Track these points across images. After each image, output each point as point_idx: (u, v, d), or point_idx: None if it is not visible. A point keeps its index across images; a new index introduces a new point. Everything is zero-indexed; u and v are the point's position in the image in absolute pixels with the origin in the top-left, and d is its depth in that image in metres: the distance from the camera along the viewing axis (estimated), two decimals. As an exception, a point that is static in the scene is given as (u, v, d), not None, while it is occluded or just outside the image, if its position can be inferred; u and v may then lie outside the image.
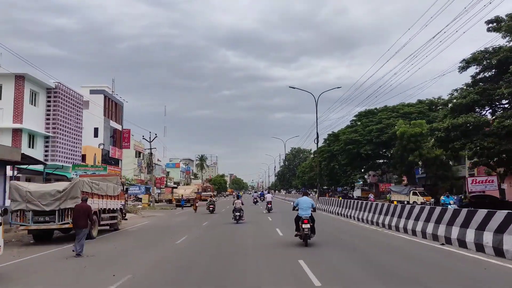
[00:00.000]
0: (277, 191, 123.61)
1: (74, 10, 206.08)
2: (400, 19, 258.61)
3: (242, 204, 23.55)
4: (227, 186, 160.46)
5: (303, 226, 12.73)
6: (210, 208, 31.99)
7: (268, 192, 68.56)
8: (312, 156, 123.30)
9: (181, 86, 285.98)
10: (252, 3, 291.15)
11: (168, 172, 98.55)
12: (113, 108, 56.30)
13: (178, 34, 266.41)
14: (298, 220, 13.13)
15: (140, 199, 55.46)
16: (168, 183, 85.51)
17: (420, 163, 42.20)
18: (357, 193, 59.14)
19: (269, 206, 33.06)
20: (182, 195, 45.94)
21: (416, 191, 42.70)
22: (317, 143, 34.43)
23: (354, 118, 53.37)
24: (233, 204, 23.82)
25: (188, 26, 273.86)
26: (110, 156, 54.11)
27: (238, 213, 22.63)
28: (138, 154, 70.61)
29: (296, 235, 13.40)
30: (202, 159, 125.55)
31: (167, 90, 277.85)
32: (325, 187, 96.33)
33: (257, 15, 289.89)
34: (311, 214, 13.07)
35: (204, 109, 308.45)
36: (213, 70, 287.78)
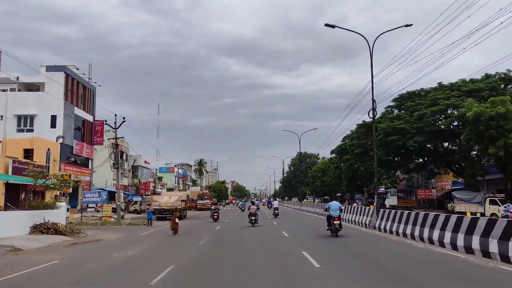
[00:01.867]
0: (281, 199, 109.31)
1: (75, 19, 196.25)
2: (399, 27, 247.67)
3: (258, 209, 25.98)
4: (228, 193, 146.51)
5: (335, 222, 17.03)
6: (214, 216, 29.99)
7: (275, 199, 60.60)
8: (321, 160, 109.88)
9: (181, 94, 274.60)
10: (252, 12, 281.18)
11: (160, 178, 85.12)
12: (79, 92, 42.99)
13: (178, 43, 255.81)
14: (330, 218, 17.41)
15: (114, 210, 42.07)
16: (161, 190, 72.05)
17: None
18: (390, 201, 45.42)
19: (276, 212, 34.81)
20: (150, 205, 32.17)
21: (496, 198, 29.19)
22: (373, 117, 20.82)
23: (392, 104, 39.94)
24: (248, 209, 26.36)
25: (189, 34, 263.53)
26: (73, 153, 40.71)
27: (254, 217, 24.48)
28: (120, 154, 57.17)
29: (327, 229, 17.61)
30: (200, 163, 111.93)
31: (167, 98, 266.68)
32: (339, 194, 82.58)
33: (257, 24, 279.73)
34: (339, 213, 17.42)
35: (204, 117, 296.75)
36: (214, 78, 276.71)
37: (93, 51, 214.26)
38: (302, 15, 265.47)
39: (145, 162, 64.25)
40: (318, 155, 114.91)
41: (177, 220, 19.26)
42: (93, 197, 30.05)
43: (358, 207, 22.27)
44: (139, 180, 59.41)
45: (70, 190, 34.19)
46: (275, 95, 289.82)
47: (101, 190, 35.66)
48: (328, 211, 17.58)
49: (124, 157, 58.92)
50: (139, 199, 46.42)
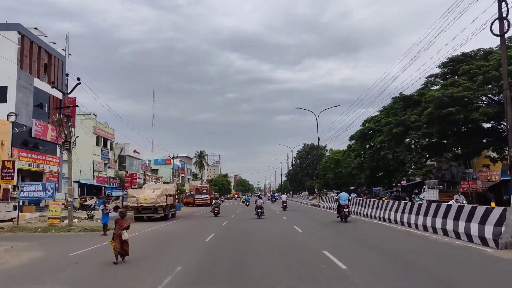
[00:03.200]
0: (292, 193, 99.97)
1: (78, 14, 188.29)
2: (404, 21, 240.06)
3: (263, 203, 27.51)
4: (231, 187, 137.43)
5: (344, 210, 20.20)
6: (215, 211, 28.72)
7: (283, 193, 58.75)
8: (329, 151, 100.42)
9: (184, 90, 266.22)
10: (255, 6, 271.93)
11: (156, 170, 76.22)
12: (41, 60, 33.91)
13: (181, 38, 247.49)
14: (340, 207, 20.76)
15: (89, 207, 33.41)
16: (155, 183, 63.24)
17: None
18: (429, 195, 36.22)
19: (284, 205, 35.75)
20: (107, 205, 22.88)
21: None
22: (500, 28, 11.51)
23: (437, 71, 30.64)
24: (255, 203, 26.90)
25: (192, 30, 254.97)
26: (33, 136, 31.77)
27: (260, 210, 25.32)
28: (102, 142, 48.28)
29: (338, 216, 20.90)
30: (201, 156, 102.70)
31: (171, 94, 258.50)
32: (352, 187, 73.35)
33: (260, 19, 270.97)
34: (348, 203, 20.69)
35: (208, 112, 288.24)
36: (217, 73, 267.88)
37: (96, 46, 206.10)
38: (306, 9, 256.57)
39: (135, 151, 55.28)
40: (325, 146, 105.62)
41: (125, 236, 10.00)
42: (34, 190, 20.97)
43: (461, 205, 12.45)
44: (127, 171, 50.55)
45: (14, 182, 25.33)
46: (279, 90, 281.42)
47: (46, 182, 26.69)
48: (338, 201, 21.31)
49: (109, 145, 50.00)
50: (120, 193, 37.45)
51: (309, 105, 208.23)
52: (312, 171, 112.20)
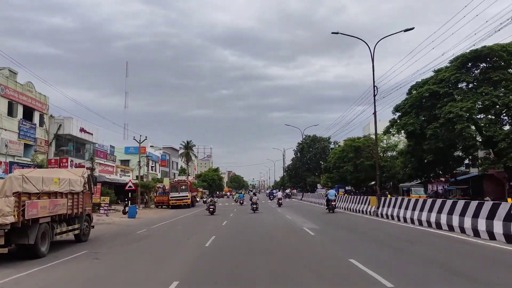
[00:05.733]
0: (302, 190, 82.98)
1: (69, 8, 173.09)
2: (398, 17, 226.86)
3: (258, 199, 30.64)
4: (224, 184, 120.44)
5: (332, 203, 25.10)
6: (210, 209, 28.19)
7: (279, 190, 55.85)
8: (333, 144, 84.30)
9: (177, 85, 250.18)
10: (249, 1, 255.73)
11: (127, 161, 59.29)
12: None
13: (174, 33, 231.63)
14: (328, 201, 25.48)
15: None
16: (124, 177, 46.31)
17: None
18: None
19: (280, 201, 36.02)
20: None
21: None
22: None
23: None
24: (250, 200, 30.61)
25: (185, 25, 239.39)
26: None
27: (255, 205, 28.79)
28: (22, 111, 31.11)
29: (326, 208, 25.52)
30: (188, 146, 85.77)
31: (163, 89, 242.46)
32: (373, 182, 56.80)
33: (254, 14, 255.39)
34: (335, 198, 26.20)
35: (201, 108, 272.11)
36: (210, 69, 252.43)
37: (87, 41, 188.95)
38: (300, 4, 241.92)
39: (83, 130, 37.83)
40: (329, 138, 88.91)
41: None
42: None
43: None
44: (66, 157, 33.49)
45: None
46: (273, 87, 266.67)
47: None
48: (327, 196, 26.26)
49: (37, 119, 32.81)
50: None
51: (303, 102, 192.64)
52: (315, 166, 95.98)
